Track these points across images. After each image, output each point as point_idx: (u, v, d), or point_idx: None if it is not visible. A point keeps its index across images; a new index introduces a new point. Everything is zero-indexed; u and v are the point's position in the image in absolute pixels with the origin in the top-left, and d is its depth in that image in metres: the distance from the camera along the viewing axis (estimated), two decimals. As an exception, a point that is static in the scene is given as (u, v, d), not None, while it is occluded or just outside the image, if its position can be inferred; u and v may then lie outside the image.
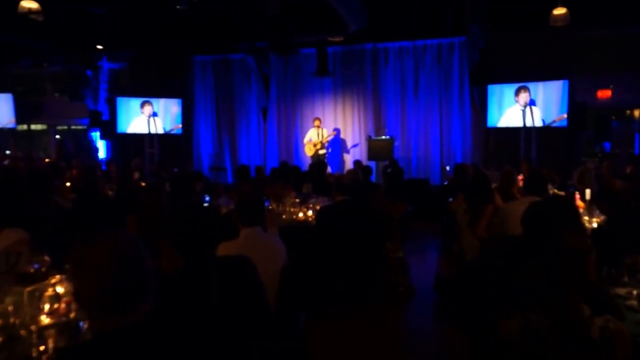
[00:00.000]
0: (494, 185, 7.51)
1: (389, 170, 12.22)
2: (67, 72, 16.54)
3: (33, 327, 2.89)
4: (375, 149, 13.75)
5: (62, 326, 2.94)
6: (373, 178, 11.18)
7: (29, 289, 3.15)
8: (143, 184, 9.46)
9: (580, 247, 2.91)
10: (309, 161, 14.12)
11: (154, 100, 15.43)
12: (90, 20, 12.84)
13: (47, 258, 3.70)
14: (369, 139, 14.05)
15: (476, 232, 5.89)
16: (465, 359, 3.28)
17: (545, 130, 12.52)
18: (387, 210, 6.95)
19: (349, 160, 14.83)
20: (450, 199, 7.69)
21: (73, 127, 19.47)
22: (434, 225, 9.75)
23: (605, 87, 12.92)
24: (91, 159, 15.68)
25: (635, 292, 3.40)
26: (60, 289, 3.22)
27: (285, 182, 8.34)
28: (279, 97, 15.95)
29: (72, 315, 3.03)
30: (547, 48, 12.72)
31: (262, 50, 15.20)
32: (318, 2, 10.53)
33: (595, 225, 5.85)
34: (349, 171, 9.29)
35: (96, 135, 16.62)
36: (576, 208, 3.57)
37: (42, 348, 2.74)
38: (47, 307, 3.04)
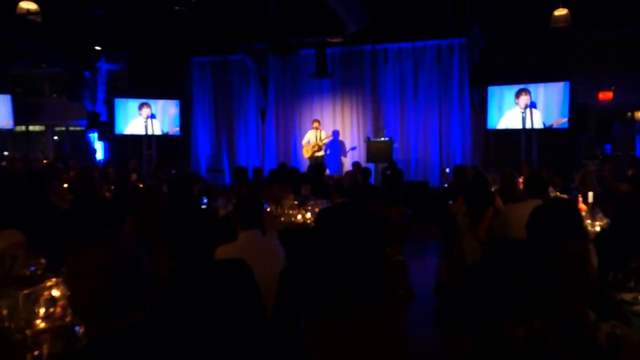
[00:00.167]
0: (494, 187, 7.48)
1: (388, 172, 12.18)
2: (65, 73, 16.52)
3: (28, 332, 2.84)
4: (374, 151, 13.69)
5: (58, 331, 2.88)
6: (372, 180, 11.13)
7: (24, 292, 3.10)
8: (141, 185, 9.40)
9: (579, 251, 2.87)
10: (307, 163, 14.09)
11: (152, 102, 15.40)
12: (89, 22, 12.82)
13: (42, 260, 3.65)
14: (367, 141, 14.00)
15: (477, 235, 5.85)
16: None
17: (546, 132, 12.48)
18: (387, 214, 6.90)
19: (347, 162, 14.76)
20: (450, 202, 7.65)
21: (71, 128, 19.48)
22: (433, 228, 9.73)
23: (607, 88, 12.88)
24: (89, 160, 15.63)
25: (641, 297, 3.32)
26: (56, 292, 3.17)
27: (284, 184, 8.30)
28: (277, 98, 15.92)
29: (67, 319, 2.97)
30: (548, 49, 12.69)
31: (261, 52, 15.17)
32: (317, 3, 10.50)
33: (598, 228, 5.77)
34: (348, 173, 9.23)
35: (94, 136, 16.59)
36: (579, 211, 3.53)
37: (36, 353, 2.68)
38: (42, 311, 2.98)
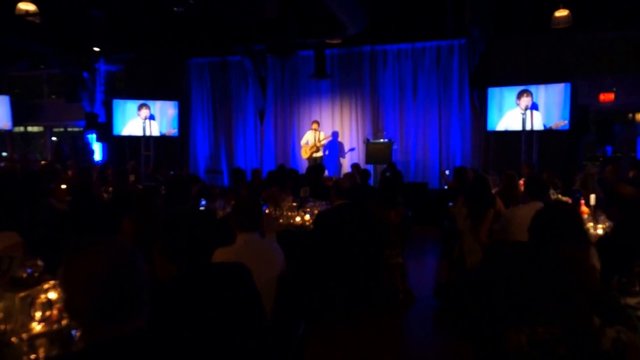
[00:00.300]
0: (494, 189, 7.44)
1: (388, 173, 12.13)
2: (63, 74, 16.48)
3: (24, 335, 2.80)
4: (373, 153, 13.66)
5: (54, 334, 2.85)
6: (371, 181, 11.09)
7: (21, 294, 3.06)
8: (139, 186, 9.37)
9: (581, 254, 2.83)
10: (305, 164, 14.06)
11: (150, 103, 15.37)
12: (87, 23, 12.77)
13: (39, 262, 3.62)
14: (366, 142, 13.96)
15: (478, 237, 5.82)
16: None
17: (547, 134, 12.44)
18: (387, 216, 6.86)
19: (346, 164, 14.76)
20: (450, 204, 7.61)
21: (69, 129, 19.48)
22: (433, 230, 9.71)
23: (608, 90, 12.83)
24: (87, 161, 15.60)
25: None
26: (52, 295, 3.13)
27: (283, 186, 8.26)
28: (276, 99, 15.90)
29: (64, 322, 2.95)
30: (549, 50, 12.64)
31: (259, 53, 15.16)
32: (316, 4, 10.46)
33: (600, 231, 5.74)
34: (347, 175, 9.19)
35: (92, 137, 16.56)
36: (580, 215, 3.50)
37: (33, 357, 2.66)
38: (38, 314, 2.95)
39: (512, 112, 12.60)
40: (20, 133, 20.11)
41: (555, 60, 12.59)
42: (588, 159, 13.81)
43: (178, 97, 15.87)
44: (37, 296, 3.09)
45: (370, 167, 13.01)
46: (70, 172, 10.88)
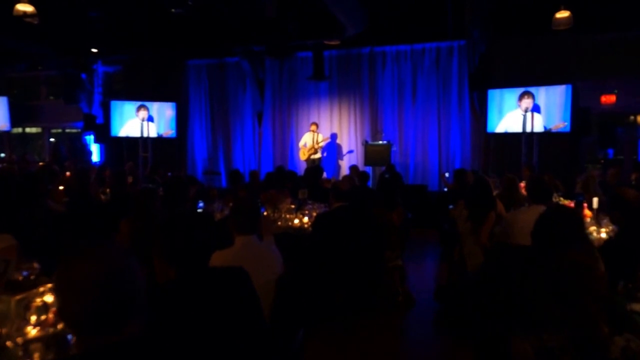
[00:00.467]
0: (495, 192, 7.41)
1: (387, 175, 12.10)
2: (61, 75, 16.45)
3: (19, 339, 2.77)
4: (372, 154, 13.62)
5: (50, 339, 2.81)
6: (370, 184, 11.05)
7: (17, 297, 3.03)
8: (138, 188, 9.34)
9: (588, 260, 2.79)
10: (304, 166, 14.03)
11: (148, 104, 15.33)
12: (85, 24, 12.77)
13: (36, 265, 3.60)
14: (365, 144, 13.92)
15: (479, 240, 5.79)
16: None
17: (547, 136, 12.37)
18: (388, 218, 6.83)
19: (344, 166, 14.71)
20: (451, 206, 7.58)
21: (67, 130, 19.43)
22: (432, 232, 9.67)
23: (610, 92, 12.77)
24: (85, 162, 15.58)
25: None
26: (48, 298, 3.10)
27: (282, 188, 8.23)
28: (274, 101, 15.86)
29: (59, 326, 2.91)
30: (550, 52, 12.58)
31: (258, 54, 15.12)
32: (315, 5, 10.43)
33: (604, 235, 5.68)
34: (346, 177, 9.15)
35: (90, 138, 16.55)
36: (583, 219, 3.47)
37: (28, 361, 2.63)
38: (34, 318, 2.91)
39: (512, 114, 12.54)
40: (18, 134, 20.09)
41: (556, 61, 12.53)
42: (589, 162, 13.74)
43: (176, 99, 15.83)
44: (32, 299, 3.07)
45: (369, 169, 12.97)
46: (68, 174, 10.83)
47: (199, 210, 7.24)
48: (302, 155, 14.33)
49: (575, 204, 6.92)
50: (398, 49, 14.52)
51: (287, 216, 7.10)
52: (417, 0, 11.75)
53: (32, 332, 2.86)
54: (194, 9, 11.17)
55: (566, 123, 11.81)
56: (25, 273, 3.51)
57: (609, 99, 12.76)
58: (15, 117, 17.75)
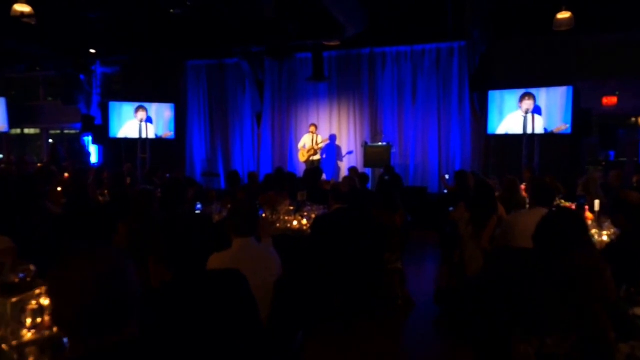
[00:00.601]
0: (495, 194, 7.37)
1: (386, 177, 12.05)
2: (60, 76, 16.45)
3: (14, 342, 2.74)
4: (371, 156, 13.59)
5: (45, 342, 2.78)
6: (369, 185, 11.02)
7: (13, 300, 3.01)
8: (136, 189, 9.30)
9: (595, 264, 2.75)
10: (303, 168, 14.00)
11: (147, 105, 15.31)
12: (84, 25, 12.73)
13: (32, 267, 3.56)
14: (365, 146, 13.90)
15: (481, 244, 5.74)
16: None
17: (548, 137, 12.33)
18: (389, 220, 6.79)
19: (344, 167, 14.66)
20: (451, 208, 7.54)
21: (66, 131, 19.43)
22: (432, 235, 9.62)
23: (611, 93, 12.72)
24: (83, 163, 15.55)
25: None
26: (44, 301, 3.08)
27: (281, 190, 8.20)
28: (273, 102, 15.82)
29: (55, 329, 2.88)
30: (551, 53, 12.55)
31: (257, 55, 15.09)
32: (314, 5, 10.40)
33: (605, 238, 5.64)
34: (345, 178, 9.11)
35: (88, 139, 16.52)
36: (585, 222, 3.44)
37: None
38: (29, 321, 2.88)
39: (512, 115, 12.50)
40: (16, 135, 20.09)
41: (557, 62, 12.49)
42: (590, 163, 13.69)
43: (174, 100, 15.80)
44: (28, 302, 3.04)
45: (368, 171, 12.95)
46: (66, 175, 10.82)
47: (197, 212, 7.20)
48: (302, 157, 14.29)
49: (577, 206, 6.87)
50: (398, 50, 14.47)
51: (286, 218, 7.09)
52: (417, 1, 11.70)
53: (27, 335, 2.84)
54: (192, 9, 11.14)
55: (567, 125, 11.78)
56: (21, 275, 3.48)
57: (610, 100, 12.72)
58: (14, 118, 17.76)
